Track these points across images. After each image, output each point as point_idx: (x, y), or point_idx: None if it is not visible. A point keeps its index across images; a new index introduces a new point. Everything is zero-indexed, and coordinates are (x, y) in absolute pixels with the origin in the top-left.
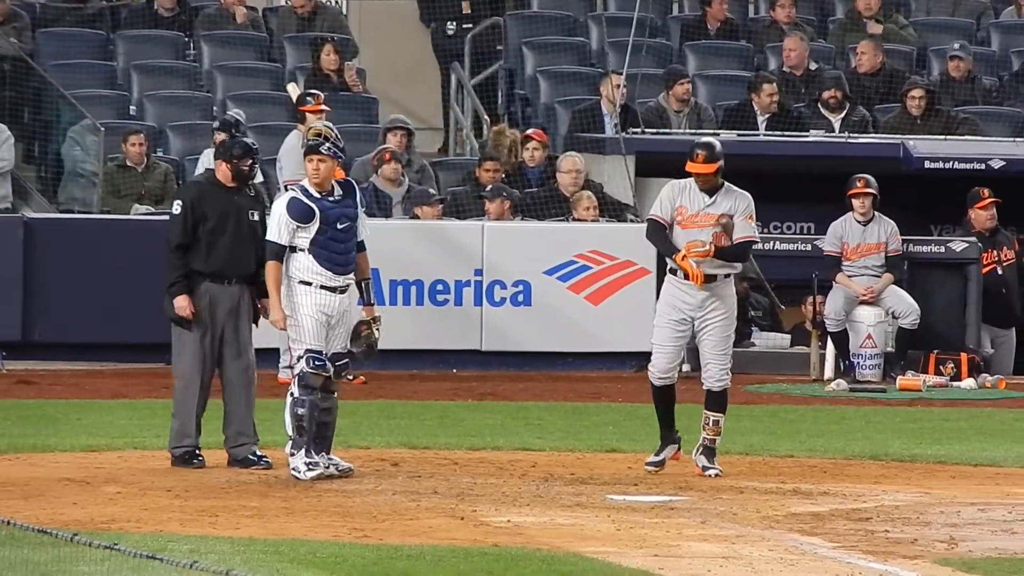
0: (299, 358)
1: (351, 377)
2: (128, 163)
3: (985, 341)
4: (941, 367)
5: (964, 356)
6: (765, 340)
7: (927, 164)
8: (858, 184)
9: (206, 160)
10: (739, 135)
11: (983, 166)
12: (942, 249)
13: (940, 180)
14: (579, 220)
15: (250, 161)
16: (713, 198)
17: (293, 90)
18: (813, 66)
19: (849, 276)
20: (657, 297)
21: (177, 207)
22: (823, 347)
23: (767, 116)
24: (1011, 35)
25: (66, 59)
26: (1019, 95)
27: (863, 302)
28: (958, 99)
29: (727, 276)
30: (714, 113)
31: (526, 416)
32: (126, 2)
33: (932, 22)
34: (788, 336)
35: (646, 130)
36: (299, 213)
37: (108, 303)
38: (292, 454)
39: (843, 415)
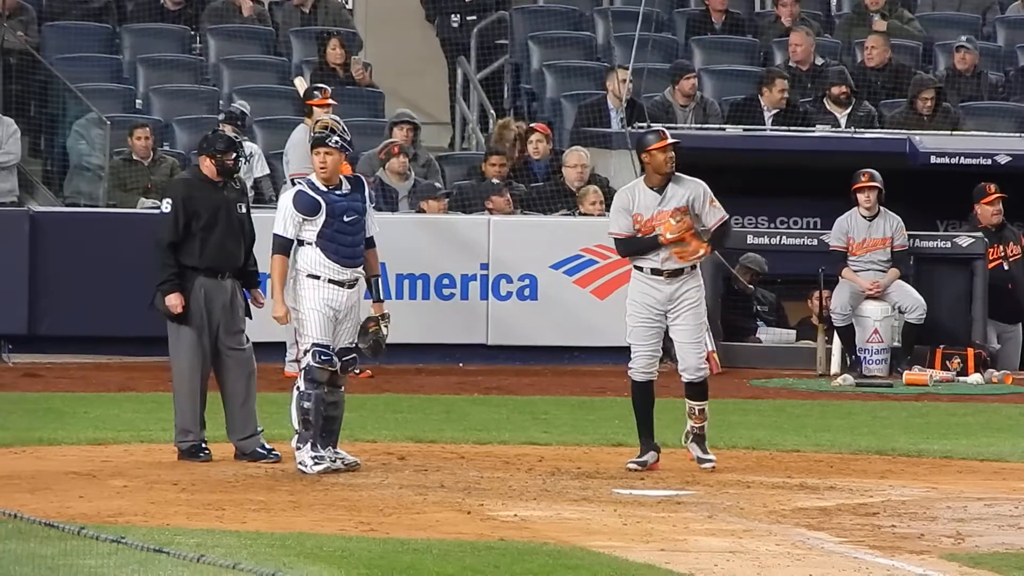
0: (306, 352)
1: (358, 371)
2: (134, 157)
3: (991, 336)
4: (947, 362)
5: (970, 351)
6: (771, 335)
7: (933, 159)
8: (863, 178)
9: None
10: (745, 130)
11: (989, 161)
12: (948, 244)
13: (946, 175)
14: (585, 214)
15: (234, 155)
16: (663, 194)
17: (300, 84)
18: (819, 61)
19: (855, 271)
20: None
21: (167, 205)
22: (829, 342)
23: (774, 112)
24: (1017, 30)
25: (72, 53)
26: None
27: (869, 297)
28: (964, 94)
29: (693, 267)
30: (720, 108)
31: (532, 410)
32: None
33: (938, 17)
34: (794, 331)
35: (652, 125)
36: (305, 206)
37: (114, 297)
38: (298, 448)
39: (849, 410)
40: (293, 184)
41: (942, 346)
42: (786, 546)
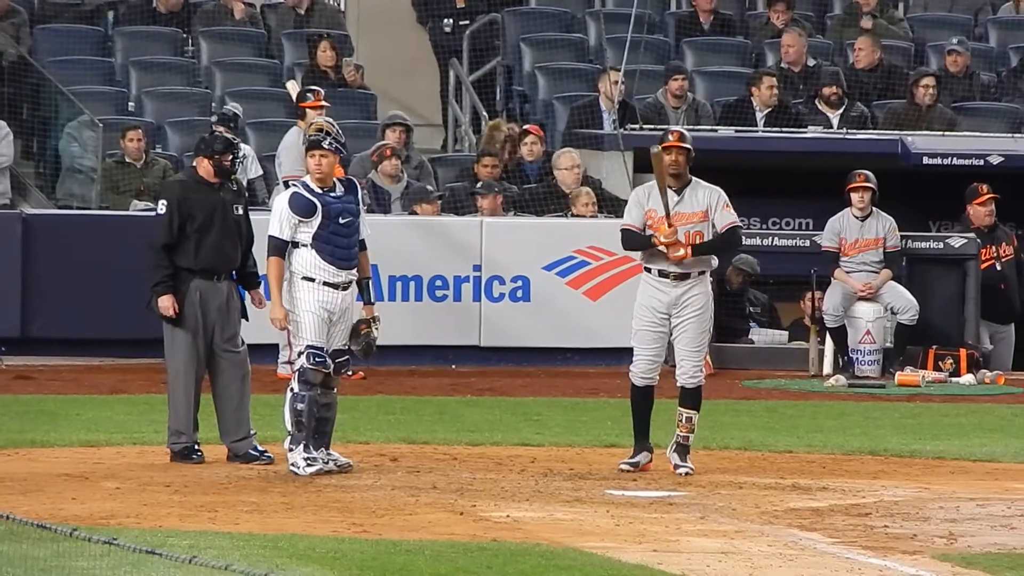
0: (300, 354)
1: (350, 373)
2: (126, 159)
3: (984, 337)
4: (940, 363)
5: (963, 352)
6: (763, 336)
7: (925, 160)
8: (857, 179)
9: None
10: (737, 131)
11: (982, 162)
12: (941, 245)
13: (939, 176)
14: (578, 216)
15: (231, 156)
16: (681, 195)
17: (292, 88)
18: (811, 62)
19: (847, 272)
20: None
21: (162, 207)
22: (822, 343)
23: (766, 112)
24: (1009, 31)
25: (64, 55)
26: (1017, 91)
27: (861, 298)
28: (956, 95)
29: (701, 273)
30: (712, 109)
31: (525, 412)
32: None
33: (930, 18)
34: (786, 332)
35: (644, 126)
36: (301, 207)
37: (107, 299)
38: (291, 449)
39: (842, 411)
40: (287, 186)
41: (935, 347)
42: (778, 547)
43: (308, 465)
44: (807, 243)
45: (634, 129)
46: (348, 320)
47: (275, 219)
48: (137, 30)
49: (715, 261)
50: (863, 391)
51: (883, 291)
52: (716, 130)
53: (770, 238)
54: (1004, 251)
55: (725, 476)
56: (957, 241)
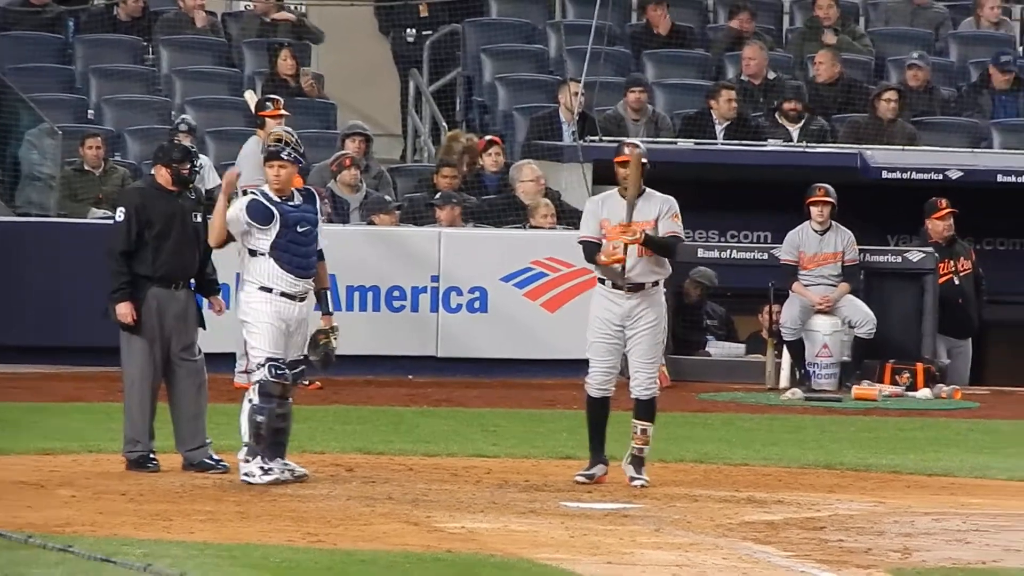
0: (259, 366)
1: (307, 383)
2: (85, 167)
3: (941, 351)
4: (897, 377)
5: (920, 366)
6: (720, 349)
7: (884, 174)
8: (818, 192)
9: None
10: (696, 144)
11: (941, 176)
12: (899, 259)
13: (897, 190)
14: (536, 227)
15: (189, 165)
16: (635, 205)
17: (251, 98)
18: (772, 75)
19: (805, 285)
20: None
21: (120, 214)
22: (779, 356)
23: (725, 125)
24: (969, 46)
25: (24, 63)
26: (977, 106)
27: (819, 311)
28: (916, 109)
29: (655, 284)
30: (672, 122)
31: (481, 422)
32: (85, 6)
33: (891, 32)
34: (743, 345)
35: (604, 138)
36: (258, 214)
37: (64, 306)
38: (247, 460)
39: (798, 424)
40: (245, 195)
41: (892, 361)
42: (733, 560)
43: (264, 474)
44: (765, 256)
45: (594, 141)
46: (304, 331)
47: (231, 213)
48: (98, 38)
49: (668, 269)
50: (820, 404)
51: (841, 305)
52: (675, 142)
53: (728, 251)
54: (962, 265)
55: (680, 489)
56: (915, 255)
